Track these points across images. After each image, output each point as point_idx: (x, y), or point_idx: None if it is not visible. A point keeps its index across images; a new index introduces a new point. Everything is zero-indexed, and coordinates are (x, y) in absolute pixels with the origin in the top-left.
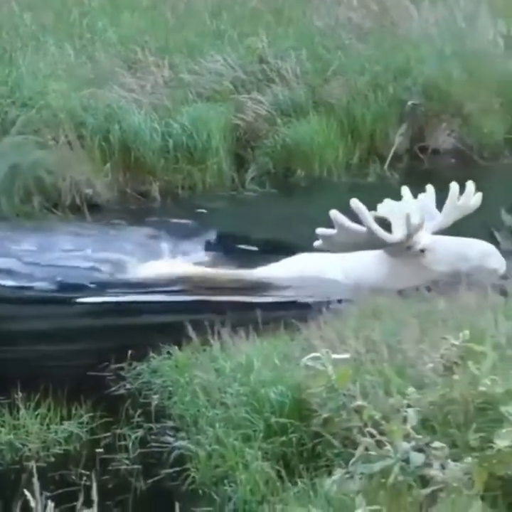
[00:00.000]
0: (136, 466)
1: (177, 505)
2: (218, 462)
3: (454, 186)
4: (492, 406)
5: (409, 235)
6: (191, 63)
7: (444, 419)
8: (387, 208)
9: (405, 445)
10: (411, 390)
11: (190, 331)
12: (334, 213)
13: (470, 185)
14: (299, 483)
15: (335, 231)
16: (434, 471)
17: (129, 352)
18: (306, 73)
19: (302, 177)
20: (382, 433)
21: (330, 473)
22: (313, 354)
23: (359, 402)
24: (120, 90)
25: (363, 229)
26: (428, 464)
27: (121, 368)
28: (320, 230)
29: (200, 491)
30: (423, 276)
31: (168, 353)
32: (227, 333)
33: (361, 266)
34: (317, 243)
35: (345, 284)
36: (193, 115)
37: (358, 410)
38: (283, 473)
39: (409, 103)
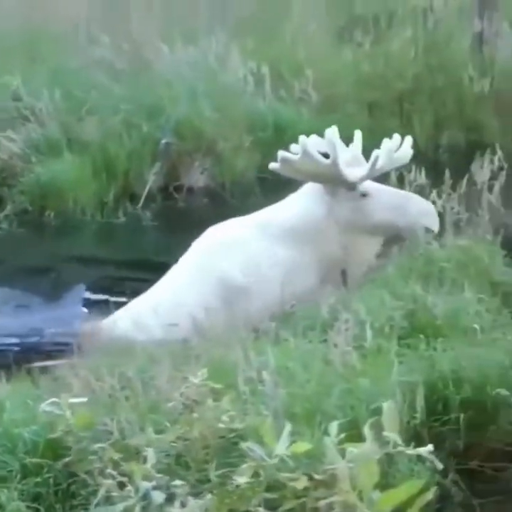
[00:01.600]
0: None
1: None
2: None
3: (396, 137)
4: (233, 442)
5: (368, 177)
6: None
7: (186, 457)
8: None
9: (145, 484)
10: (150, 429)
11: None
12: (303, 138)
13: (408, 139)
14: None
15: (298, 157)
16: (175, 509)
17: None
18: (59, 112)
19: (53, 216)
20: (123, 474)
21: None
22: (51, 399)
23: (98, 445)
24: None
25: (328, 162)
26: (169, 502)
27: None
28: (282, 153)
29: None
30: (360, 221)
31: None
32: None
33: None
34: (274, 165)
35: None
36: None
37: (98, 452)
38: None
39: (163, 141)
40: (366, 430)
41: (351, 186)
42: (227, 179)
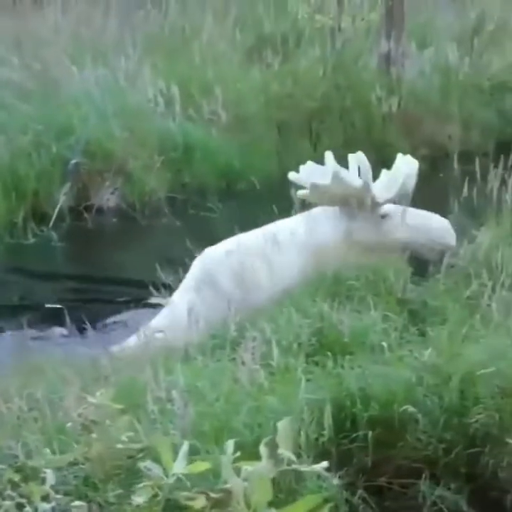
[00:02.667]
0: None
1: None
2: None
3: (406, 158)
4: (130, 462)
5: (392, 201)
6: None
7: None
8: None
9: (45, 506)
10: (47, 450)
11: None
12: (334, 165)
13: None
14: None
15: (328, 182)
16: None
17: None
18: None
19: None
20: (22, 495)
21: None
22: None
23: None
24: None
25: (360, 185)
26: None
27: None
28: (312, 182)
29: None
30: (381, 241)
31: None
32: None
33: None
34: (303, 193)
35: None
36: None
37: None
38: None
39: (73, 161)
40: (261, 448)
41: (374, 208)
42: (137, 199)
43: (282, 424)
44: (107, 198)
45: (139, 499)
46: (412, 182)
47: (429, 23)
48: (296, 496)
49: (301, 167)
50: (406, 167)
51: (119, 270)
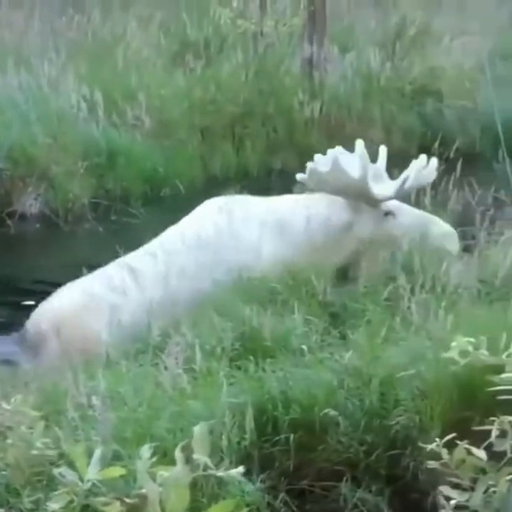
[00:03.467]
0: None
1: None
2: None
3: (422, 157)
4: (49, 469)
5: (395, 196)
6: None
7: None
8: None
9: None
10: None
11: None
12: (334, 151)
13: (434, 160)
14: None
15: (327, 169)
16: None
17: None
18: None
19: None
20: None
21: None
22: None
23: None
24: None
25: (357, 177)
26: None
27: None
28: (311, 164)
29: None
30: (381, 238)
31: None
32: None
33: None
34: (302, 176)
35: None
36: None
37: None
38: None
39: None
40: (176, 454)
41: (375, 204)
42: (60, 205)
43: (198, 429)
44: (30, 203)
45: (54, 505)
46: (423, 179)
47: (351, 28)
48: (218, 500)
49: (334, 151)
50: (415, 164)
51: (40, 275)
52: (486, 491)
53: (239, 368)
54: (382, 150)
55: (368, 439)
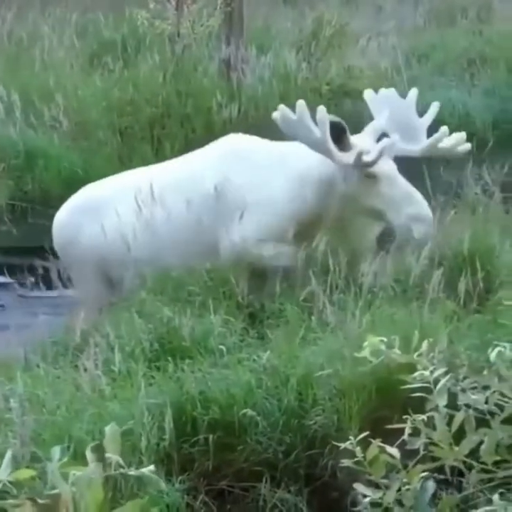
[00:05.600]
0: None
1: None
2: None
3: (443, 128)
4: None
5: (356, 164)
6: None
7: None
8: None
9: None
10: None
11: None
12: (301, 103)
13: (461, 134)
14: None
15: (294, 118)
16: None
17: None
18: None
19: None
20: None
21: None
22: None
23: None
24: None
25: (318, 136)
26: None
27: None
28: (282, 108)
29: None
30: (357, 199)
31: None
32: None
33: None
34: (276, 115)
35: None
36: None
37: None
38: None
39: None
40: (87, 453)
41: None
42: None
43: (109, 429)
44: None
45: None
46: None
47: (268, 29)
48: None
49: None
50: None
51: None
52: (399, 489)
53: (158, 369)
54: (434, 106)
55: (287, 439)
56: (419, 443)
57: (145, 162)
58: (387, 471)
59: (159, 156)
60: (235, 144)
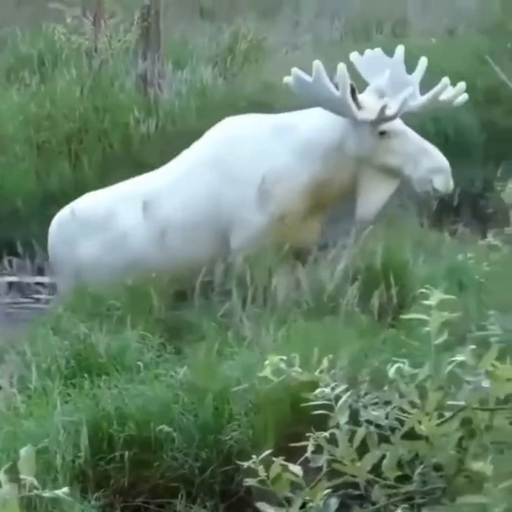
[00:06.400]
0: None
1: None
2: None
3: (444, 79)
4: None
5: (379, 121)
6: None
7: None
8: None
9: None
10: None
11: None
12: (317, 63)
13: (462, 84)
14: None
15: (311, 79)
16: None
17: None
18: None
19: None
20: None
21: None
22: None
23: None
24: None
25: (338, 95)
26: None
27: None
28: (295, 70)
29: None
30: (373, 159)
31: None
32: None
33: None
34: (288, 79)
35: None
36: None
37: None
38: None
39: None
40: (0, 475)
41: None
42: None
43: (24, 451)
44: None
45: None
46: (438, 103)
47: (185, 44)
48: None
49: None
50: (406, 90)
51: None
52: (304, 506)
53: (74, 386)
54: (422, 62)
55: (203, 455)
56: (322, 460)
57: (62, 177)
58: (294, 489)
59: (77, 170)
60: (233, 127)
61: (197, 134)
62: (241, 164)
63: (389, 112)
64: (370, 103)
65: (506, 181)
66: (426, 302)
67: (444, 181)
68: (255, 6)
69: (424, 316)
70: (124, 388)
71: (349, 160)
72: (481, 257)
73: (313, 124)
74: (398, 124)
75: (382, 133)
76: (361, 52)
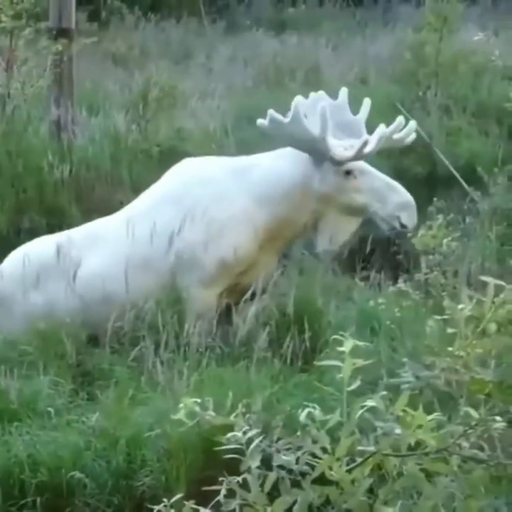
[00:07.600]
0: None
1: None
2: None
3: (399, 119)
4: None
5: (356, 158)
6: None
7: None
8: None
9: None
10: None
11: None
12: (297, 100)
13: (413, 123)
14: None
15: (287, 120)
16: None
17: None
18: None
19: None
20: None
21: None
22: None
23: None
24: None
25: (316, 135)
26: None
27: None
28: (271, 112)
29: None
30: (339, 198)
31: None
32: None
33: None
34: (262, 122)
35: None
36: None
37: None
38: None
39: None
40: None
41: (336, 163)
42: None
43: None
44: None
45: None
46: (395, 142)
47: (98, 90)
48: None
49: (297, 100)
50: (380, 127)
51: None
52: None
53: None
54: (366, 102)
55: (115, 501)
56: (234, 504)
57: None
58: None
59: None
60: (192, 168)
61: (111, 180)
62: (197, 205)
63: (367, 149)
64: (335, 143)
65: (417, 228)
66: (339, 349)
67: (411, 217)
68: (168, 54)
69: (337, 363)
70: (36, 434)
71: (311, 198)
72: (392, 303)
73: (274, 164)
74: (361, 162)
75: (348, 172)
76: (305, 96)
